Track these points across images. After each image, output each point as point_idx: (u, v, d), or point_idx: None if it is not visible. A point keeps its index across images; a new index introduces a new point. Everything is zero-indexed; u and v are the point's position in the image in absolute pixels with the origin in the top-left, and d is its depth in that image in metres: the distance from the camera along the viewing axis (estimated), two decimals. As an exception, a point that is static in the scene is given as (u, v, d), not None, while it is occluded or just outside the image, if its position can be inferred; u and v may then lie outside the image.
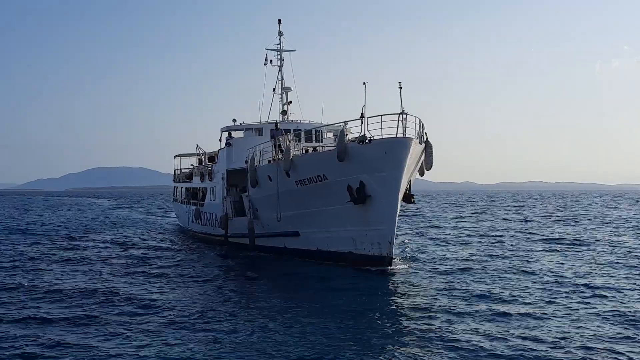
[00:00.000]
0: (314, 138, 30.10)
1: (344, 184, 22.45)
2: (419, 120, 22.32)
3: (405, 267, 23.16)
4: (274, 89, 34.03)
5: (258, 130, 31.88)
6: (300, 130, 28.30)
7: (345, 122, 22.01)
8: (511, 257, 26.72)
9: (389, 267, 22.31)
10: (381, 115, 21.10)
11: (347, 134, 22.12)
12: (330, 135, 32.18)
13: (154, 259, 27.12)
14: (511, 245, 32.07)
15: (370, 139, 21.50)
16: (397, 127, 21.13)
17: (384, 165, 21.35)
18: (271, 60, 34.08)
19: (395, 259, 23.54)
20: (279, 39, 34.26)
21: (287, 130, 30.57)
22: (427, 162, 22.97)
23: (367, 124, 21.51)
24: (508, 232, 40.97)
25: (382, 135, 21.24)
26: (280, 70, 34.09)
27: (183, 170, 46.46)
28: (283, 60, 34.16)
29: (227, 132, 32.78)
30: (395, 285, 19.72)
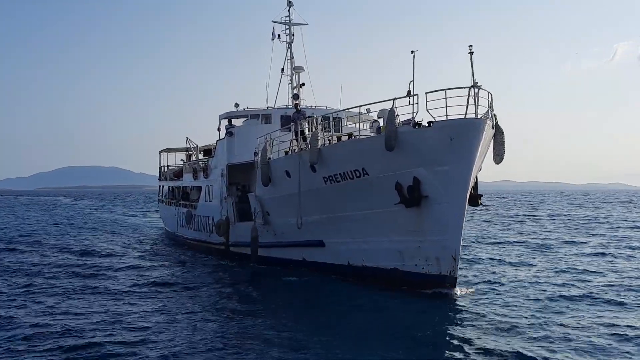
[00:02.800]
0: (331, 127, 24.73)
1: (391, 180, 17.22)
2: (491, 96, 17.13)
3: (471, 290, 17.92)
4: (283, 69, 28.66)
5: (265, 117, 26.46)
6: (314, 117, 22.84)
7: (394, 100, 16.72)
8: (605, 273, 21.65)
9: (451, 291, 17.05)
10: (445, 90, 15.85)
11: (397, 115, 16.82)
12: (351, 125, 26.89)
13: (135, 276, 21.57)
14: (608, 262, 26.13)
15: (430, 122, 16.25)
16: (467, 104, 15.92)
17: (448, 156, 16.15)
18: (279, 35, 28.74)
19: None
20: (288, 10, 28.94)
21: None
22: (497, 154, 17.73)
23: (415, 104, 16.40)
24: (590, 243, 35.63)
25: (446, 116, 16.01)
26: (289, 48, 28.75)
27: (171, 167, 40.84)
28: (293, 35, 28.84)
29: (227, 120, 27.28)
30: (462, 317, 14.59)
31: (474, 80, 15.98)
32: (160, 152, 43.18)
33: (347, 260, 19.88)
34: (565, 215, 60.63)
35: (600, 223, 48.73)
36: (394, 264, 18.30)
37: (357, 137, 18.82)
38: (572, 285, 18.87)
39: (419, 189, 16.83)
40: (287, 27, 28.81)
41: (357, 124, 23.33)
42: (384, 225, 18.09)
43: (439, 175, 16.43)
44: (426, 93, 16.00)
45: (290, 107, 27.27)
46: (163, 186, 42.99)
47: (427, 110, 16.06)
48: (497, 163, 17.72)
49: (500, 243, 32.01)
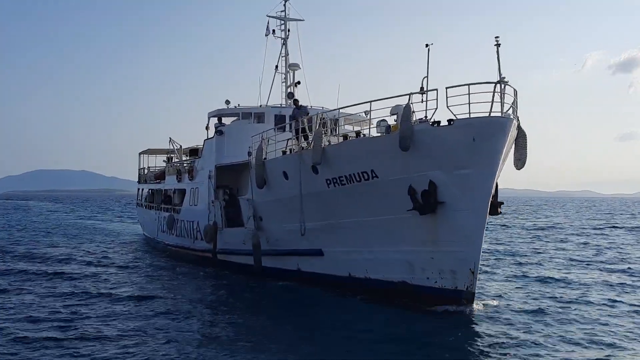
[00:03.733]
0: (329, 126, 23.06)
1: (404, 184, 15.60)
2: (516, 94, 15.63)
3: (492, 304, 16.33)
4: (277, 67, 27.02)
5: (258, 115, 24.72)
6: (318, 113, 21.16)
7: (410, 95, 15.10)
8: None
9: (469, 308, 15.42)
10: (468, 85, 14.31)
11: (413, 111, 15.18)
12: (349, 127, 25.28)
13: (112, 289, 19.59)
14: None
15: (451, 120, 14.69)
16: (492, 101, 14.39)
17: (470, 158, 14.58)
18: (273, 31, 27.14)
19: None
20: (284, 5, 27.33)
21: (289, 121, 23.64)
22: (519, 158, 16.17)
23: (435, 101, 14.88)
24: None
25: (469, 114, 14.46)
26: (284, 44, 27.14)
27: (151, 169, 38.80)
28: (289, 31, 27.23)
29: (217, 118, 25.47)
30: (480, 339, 13.01)
31: (500, 75, 14.49)
32: (140, 154, 41.13)
33: (348, 271, 18.18)
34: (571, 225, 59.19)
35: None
36: (402, 276, 16.64)
37: (366, 136, 17.11)
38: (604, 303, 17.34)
39: (434, 194, 15.23)
40: (282, 22, 27.19)
41: (354, 126, 21.74)
42: (392, 233, 16.44)
43: (458, 180, 14.85)
44: (447, 88, 14.47)
45: (284, 106, 25.63)
46: (142, 189, 40.91)
47: (447, 107, 14.52)
48: (519, 168, 16.17)
49: (514, 254, 30.51)
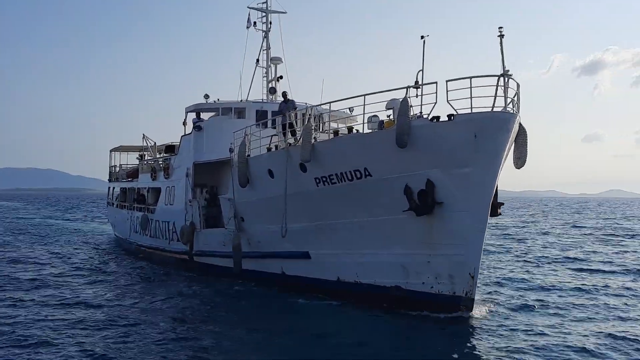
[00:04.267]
0: (318, 124, 22.10)
1: (400, 183, 14.70)
2: (519, 88, 14.81)
3: (493, 310, 15.51)
4: (258, 60, 25.87)
5: (239, 111, 23.57)
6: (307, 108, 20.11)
7: (407, 88, 14.17)
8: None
9: (467, 314, 14.57)
10: (470, 78, 13.45)
11: (411, 105, 14.24)
12: (334, 125, 24.26)
13: (76, 294, 18.33)
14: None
15: (451, 115, 13.80)
16: (495, 95, 13.56)
17: (471, 156, 13.74)
18: (255, 23, 25.99)
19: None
20: (266, -4, 26.19)
21: (276, 115, 22.55)
22: (519, 157, 15.30)
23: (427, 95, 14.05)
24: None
25: (471, 109, 13.62)
26: (265, 37, 26.01)
27: (124, 167, 37.31)
28: (270, 23, 26.11)
29: (195, 113, 24.25)
30: (479, 349, 12.15)
31: (504, 67, 13.65)
32: (111, 151, 39.62)
33: (337, 275, 17.19)
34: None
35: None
36: (395, 281, 15.72)
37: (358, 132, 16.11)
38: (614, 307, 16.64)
39: (432, 193, 14.33)
40: (264, 14, 26.08)
41: (338, 123, 20.77)
42: (386, 235, 15.51)
43: (458, 179, 13.98)
44: (447, 81, 13.61)
45: (266, 101, 24.53)
46: (114, 188, 39.38)
47: (447, 101, 13.67)
48: (518, 167, 15.34)
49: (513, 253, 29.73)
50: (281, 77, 25.36)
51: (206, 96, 23.88)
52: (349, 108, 21.80)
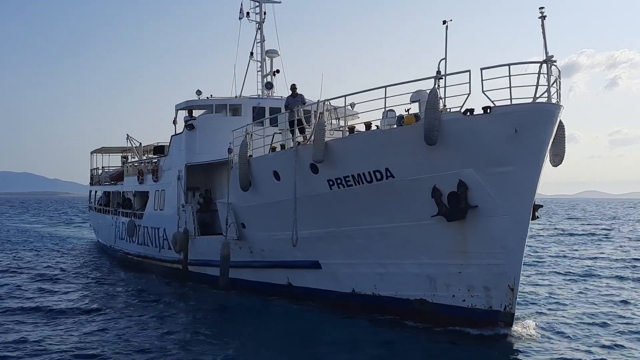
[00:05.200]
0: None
1: (427, 185, 13.10)
2: (560, 75, 13.25)
3: (537, 326, 13.91)
4: (252, 53, 24.09)
5: (234, 108, 21.81)
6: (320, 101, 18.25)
7: (437, 78, 12.56)
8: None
9: (506, 331, 13.00)
10: (508, 65, 11.90)
11: (440, 97, 12.63)
12: (335, 122, 22.59)
13: (55, 306, 16.51)
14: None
15: (487, 107, 12.22)
16: (537, 84, 12.02)
17: (511, 153, 12.19)
18: (247, 13, 24.19)
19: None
20: (259, -16, 24.43)
21: (274, 112, 20.94)
22: (557, 153, 13.75)
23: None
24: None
25: (510, 100, 12.06)
26: (259, 28, 24.23)
27: (107, 169, 35.31)
28: (265, 14, 24.32)
29: (187, 111, 22.44)
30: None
31: (547, 53, 12.10)
32: (92, 153, 37.60)
33: (352, 287, 15.58)
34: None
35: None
36: (420, 293, 14.14)
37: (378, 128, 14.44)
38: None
39: (465, 196, 12.75)
40: (257, 4, 24.30)
41: (339, 120, 19.19)
42: (410, 243, 13.93)
43: (495, 179, 12.42)
44: (482, 69, 12.03)
45: (263, 97, 22.78)
46: (96, 191, 37.40)
47: (482, 91, 12.08)
48: (555, 165, 13.81)
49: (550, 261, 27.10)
50: (277, 71, 23.68)
51: (198, 92, 22.08)
52: (350, 104, 20.08)
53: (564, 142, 13.78)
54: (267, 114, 21.14)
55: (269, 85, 23.15)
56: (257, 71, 24.05)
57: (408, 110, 14.04)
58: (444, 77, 12.73)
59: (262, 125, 17.49)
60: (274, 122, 17.91)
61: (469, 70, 12.19)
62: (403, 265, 14.28)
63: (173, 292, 19.36)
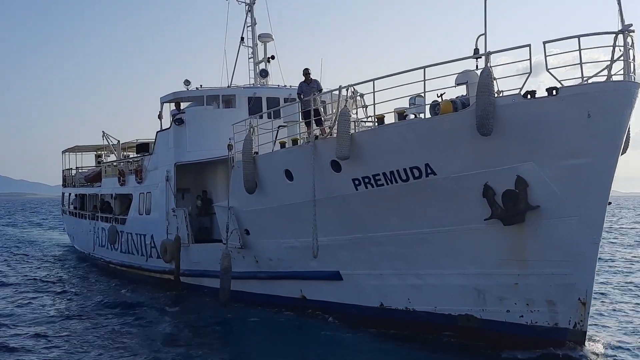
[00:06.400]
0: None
1: (477, 182, 11.09)
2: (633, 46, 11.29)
3: (613, 346, 11.96)
4: (243, 38, 21.82)
5: (227, 99, 19.56)
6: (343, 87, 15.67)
7: (488, 54, 10.55)
8: None
9: (577, 352, 11.08)
10: (578, 37, 9.94)
11: (495, 78, 10.62)
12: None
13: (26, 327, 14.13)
14: None
15: (554, 88, 10.23)
16: (612, 59, 10.09)
17: (583, 142, 10.22)
18: (236, -6, 21.92)
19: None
20: (247, -39, 22.13)
21: (272, 102, 18.90)
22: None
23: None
24: None
25: (582, 78, 10.11)
26: (250, 11, 21.98)
27: (81, 170, 32.68)
28: (255, -6, 22.04)
29: (174, 104, 20.11)
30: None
31: (623, 22, 10.14)
32: (64, 152, 34.87)
33: (380, 300, 13.55)
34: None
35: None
36: (466, 308, 12.17)
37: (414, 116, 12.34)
38: None
39: (525, 195, 10.76)
40: (246, -18, 22.03)
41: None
42: (455, 250, 11.93)
43: (563, 174, 10.46)
44: (545, 43, 10.06)
45: (259, 86, 20.57)
46: (70, 194, 34.75)
47: (547, 69, 10.12)
48: (622, 153, 11.88)
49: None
50: (273, 57, 21.46)
51: (187, 82, 19.77)
52: (353, 91, 17.90)
53: (629, 129, 11.86)
54: (264, 105, 19.03)
55: (264, 73, 20.95)
56: (249, 58, 21.84)
57: (441, 95, 11.98)
58: (486, 56, 10.75)
59: (269, 118, 15.34)
60: (277, 115, 15.83)
61: (529, 45, 10.21)
62: (445, 275, 12.28)
63: (168, 303, 17.18)
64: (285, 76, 25.13)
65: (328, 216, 13.27)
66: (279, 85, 20.61)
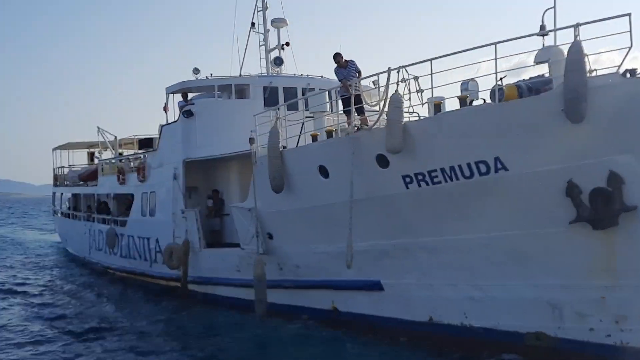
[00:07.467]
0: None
1: (559, 179, 9.40)
2: None
3: None
4: (253, 24, 20.01)
5: (240, 89, 17.77)
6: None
7: (577, 27, 8.88)
8: None
9: None
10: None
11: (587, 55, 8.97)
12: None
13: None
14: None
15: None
16: None
17: None
18: (246, -25, 20.07)
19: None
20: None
21: (290, 92, 17.26)
22: None
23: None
24: None
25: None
26: (260, -7, 20.15)
27: (74, 168, 30.76)
28: (266, -25, 20.25)
29: (182, 95, 18.29)
30: None
31: None
32: (54, 150, 32.88)
33: (429, 314, 11.84)
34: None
35: None
36: (538, 325, 10.49)
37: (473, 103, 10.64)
38: None
39: (620, 194, 9.08)
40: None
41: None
42: (527, 258, 10.25)
43: None
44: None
45: (274, 75, 18.81)
46: (62, 194, 32.82)
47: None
48: None
49: None
50: (287, 43, 19.69)
51: (196, 71, 17.95)
52: (373, 82, 16.12)
53: None
54: (280, 95, 17.33)
55: (278, 61, 19.16)
56: (260, 45, 20.02)
57: (502, 79, 10.25)
58: (554, 32, 9.13)
59: (296, 109, 13.63)
60: (295, 106, 14.28)
61: (629, 14, 8.52)
62: (511, 287, 10.59)
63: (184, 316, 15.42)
64: (299, 64, 23.41)
65: (369, 218, 11.57)
66: (294, 74, 18.85)
